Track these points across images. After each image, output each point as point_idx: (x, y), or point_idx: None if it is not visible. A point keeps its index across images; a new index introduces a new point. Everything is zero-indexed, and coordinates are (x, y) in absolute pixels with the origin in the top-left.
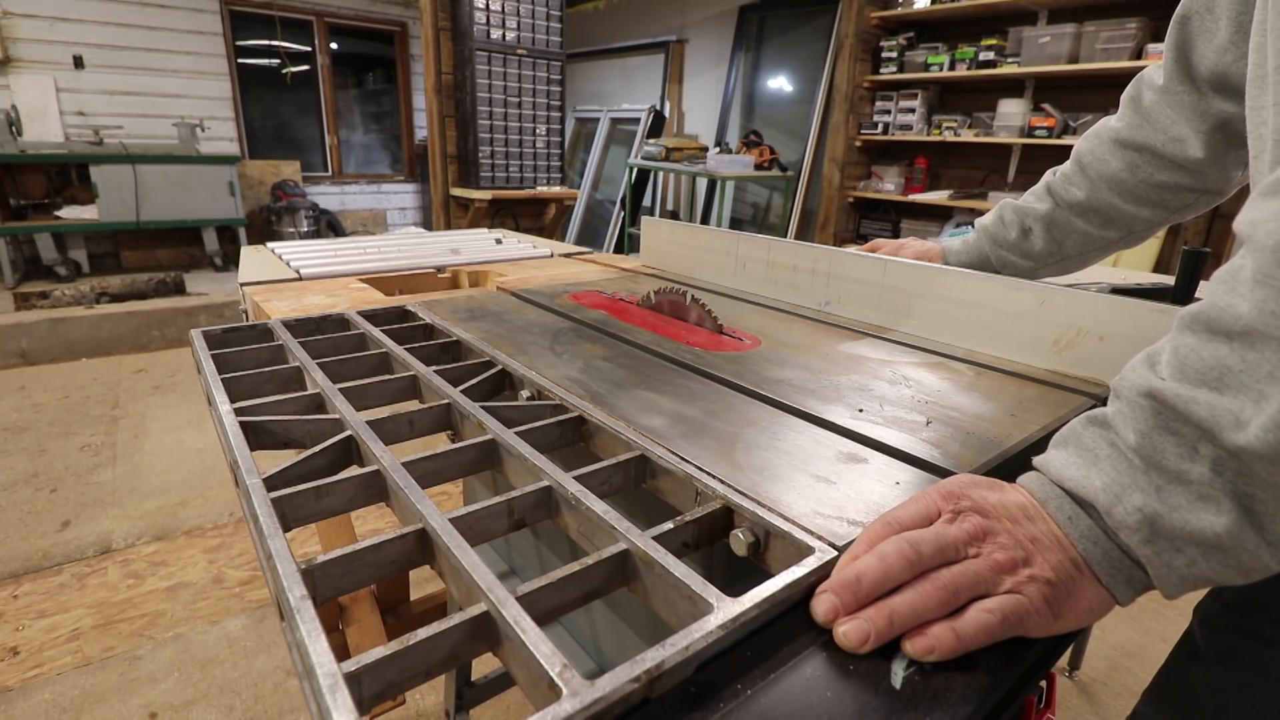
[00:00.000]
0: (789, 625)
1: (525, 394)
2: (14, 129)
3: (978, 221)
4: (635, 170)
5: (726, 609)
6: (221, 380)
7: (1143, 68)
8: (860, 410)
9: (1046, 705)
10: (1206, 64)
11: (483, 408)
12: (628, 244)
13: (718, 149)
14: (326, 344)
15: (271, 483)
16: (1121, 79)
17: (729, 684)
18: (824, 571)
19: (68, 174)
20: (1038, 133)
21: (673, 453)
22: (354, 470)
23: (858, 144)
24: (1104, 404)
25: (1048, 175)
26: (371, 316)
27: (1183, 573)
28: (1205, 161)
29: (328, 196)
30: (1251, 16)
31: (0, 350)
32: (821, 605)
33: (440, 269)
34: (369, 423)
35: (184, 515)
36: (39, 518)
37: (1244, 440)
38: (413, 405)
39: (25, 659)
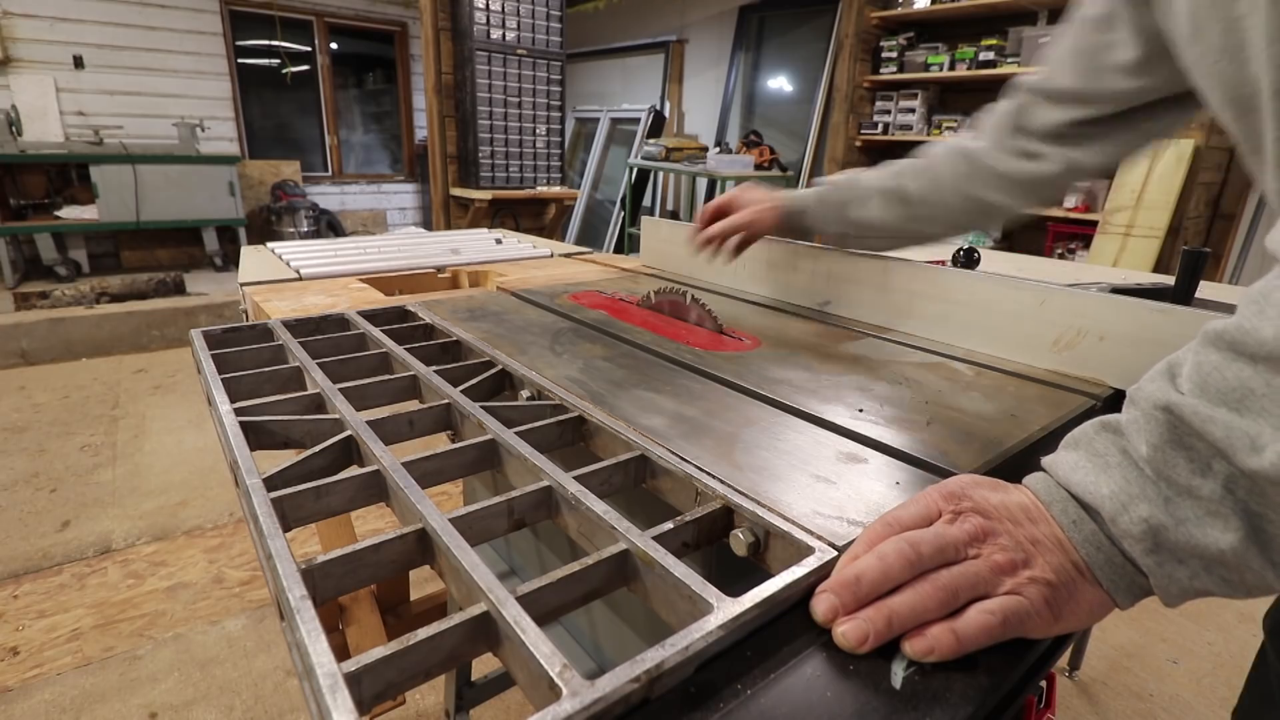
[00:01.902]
0: (789, 625)
1: (525, 394)
2: (14, 129)
3: (817, 180)
4: (635, 170)
5: (726, 609)
6: (221, 380)
7: None
8: (860, 410)
9: (1046, 705)
10: (1047, 126)
11: (483, 408)
12: (628, 244)
13: (718, 149)
14: (326, 344)
15: (271, 483)
16: None
17: (729, 684)
18: (824, 571)
19: (68, 174)
20: None
21: (673, 453)
22: (354, 470)
23: (858, 144)
24: (1105, 405)
25: (894, 162)
26: (371, 316)
27: (1184, 584)
28: (1018, 206)
29: (328, 196)
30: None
31: (0, 350)
32: (821, 605)
33: (440, 269)
34: (369, 423)
35: (184, 515)
36: (39, 518)
37: (1258, 465)
38: (413, 405)
39: (25, 659)
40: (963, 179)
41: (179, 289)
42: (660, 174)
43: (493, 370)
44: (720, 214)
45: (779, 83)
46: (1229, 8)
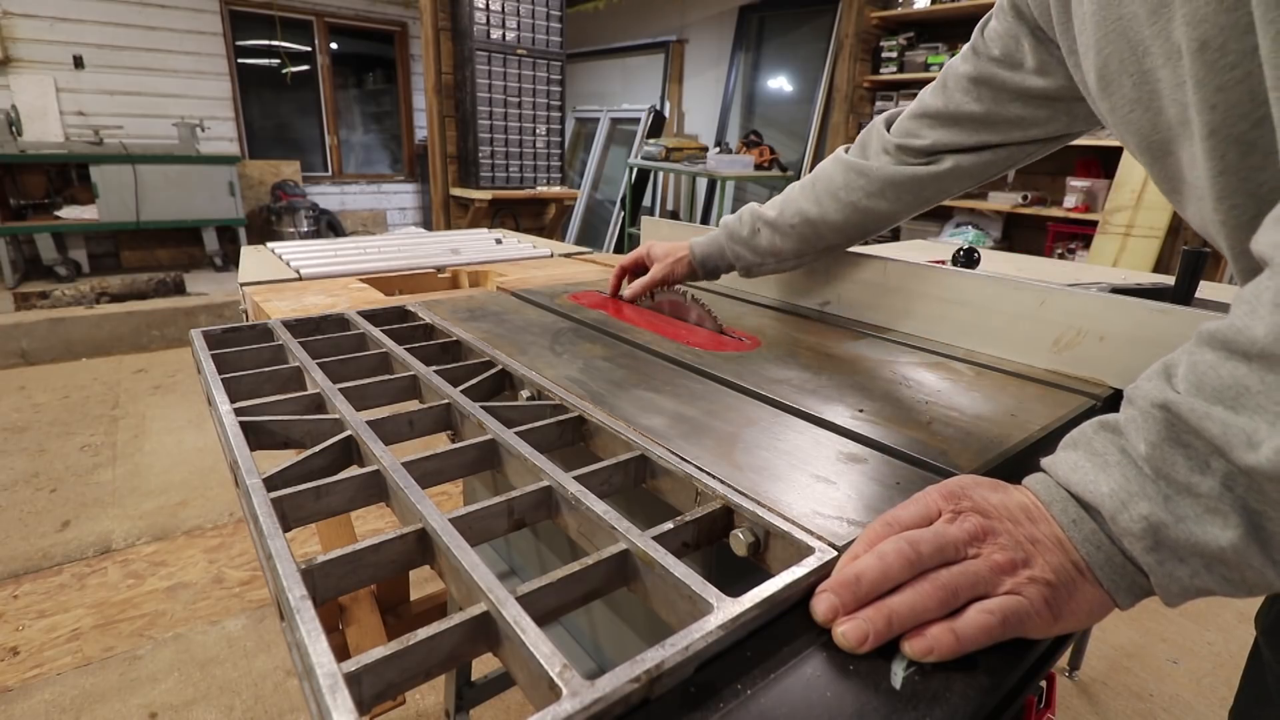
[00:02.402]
0: (789, 625)
1: (525, 394)
2: (14, 129)
3: (723, 219)
4: (635, 170)
5: (726, 609)
6: (221, 380)
7: None
8: (860, 410)
9: (1046, 705)
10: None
11: (483, 408)
12: (627, 244)
13: (718, 149)
14: (326, 344)
15: (271, 483)
16: None
17: (729, 684)
18: (824, 571)
19: (68, 174)
20: None
21: (673, 453)
22: (354, 470)
23: None
24: (1105, 405)
25: (791, 185)
26: (371, 316)
27: (1185, 583)
28: (898, 213)
29: (328, 196)
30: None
31: (0, 350)
32: (821, 605)
33: (440, 269)
34: (369, 423)
35: (184, 515)
36: (39, 518)
37: (1254, 461)
38: (413, 405)
39: (25, 659)
40: (857, 190)
41: (179, 289)
42: (660, 174)
43: (493, 370)
44: (636, 267)
45: (779, 83)
46: (1139, 62)
